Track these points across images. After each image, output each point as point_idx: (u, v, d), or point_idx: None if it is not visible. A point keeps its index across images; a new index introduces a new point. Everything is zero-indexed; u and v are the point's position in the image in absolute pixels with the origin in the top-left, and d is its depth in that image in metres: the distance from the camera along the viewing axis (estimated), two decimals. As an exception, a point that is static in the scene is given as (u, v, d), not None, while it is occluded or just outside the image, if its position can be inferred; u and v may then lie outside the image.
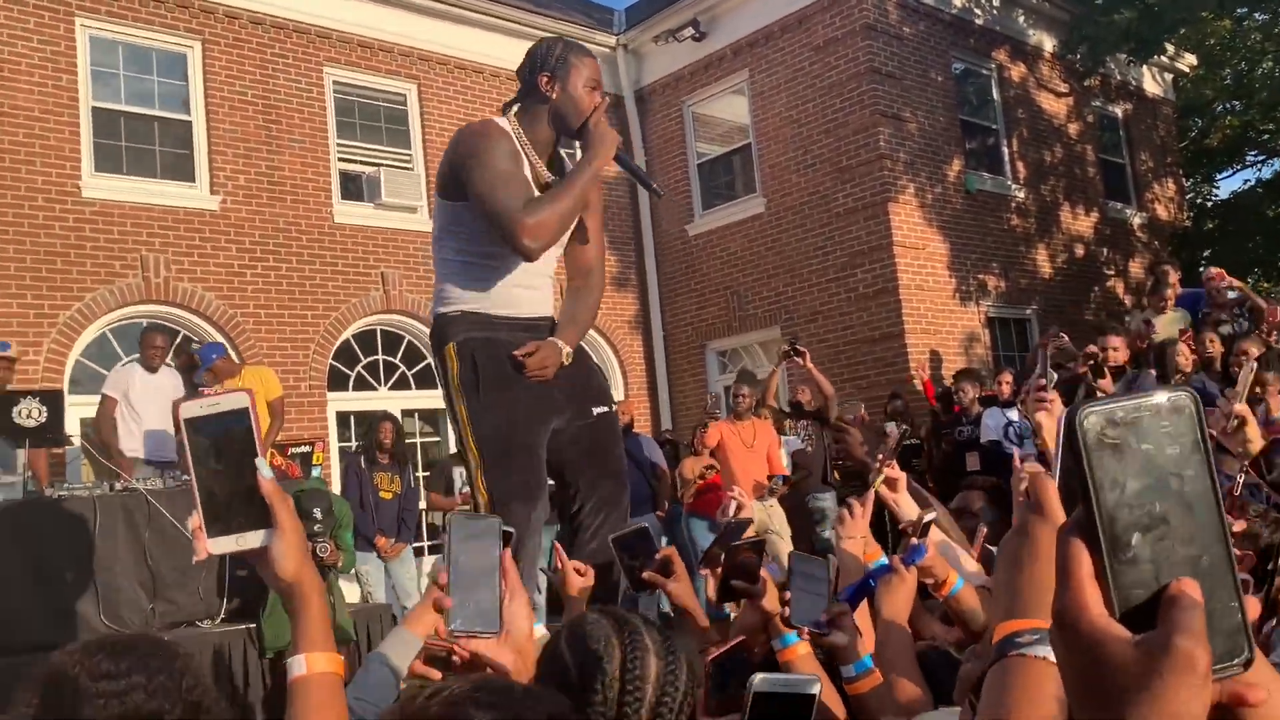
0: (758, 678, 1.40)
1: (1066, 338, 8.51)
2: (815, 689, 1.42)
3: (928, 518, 2.31)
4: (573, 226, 3.13)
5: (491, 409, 2.97)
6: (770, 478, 8.30)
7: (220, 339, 9.38)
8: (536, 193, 3.03)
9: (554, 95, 3.12)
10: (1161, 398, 0.69)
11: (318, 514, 6.03)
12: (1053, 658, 0.82)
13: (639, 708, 1.40)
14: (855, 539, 2.57)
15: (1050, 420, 2.67)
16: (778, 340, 11.61)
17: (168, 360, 7.83)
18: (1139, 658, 0.65)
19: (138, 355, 7.63)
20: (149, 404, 7.25)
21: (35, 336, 8.54)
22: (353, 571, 7.27)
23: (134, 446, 7.18)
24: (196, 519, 1.20)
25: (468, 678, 1.05)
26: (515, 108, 3.18)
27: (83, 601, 5.87)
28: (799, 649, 1.93)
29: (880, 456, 2.66)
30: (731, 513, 3.18)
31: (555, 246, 3.13)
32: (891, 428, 8.88)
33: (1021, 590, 0.91)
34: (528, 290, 3.14)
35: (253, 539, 1.20)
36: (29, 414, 5.88)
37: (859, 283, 11.11)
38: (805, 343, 10.02)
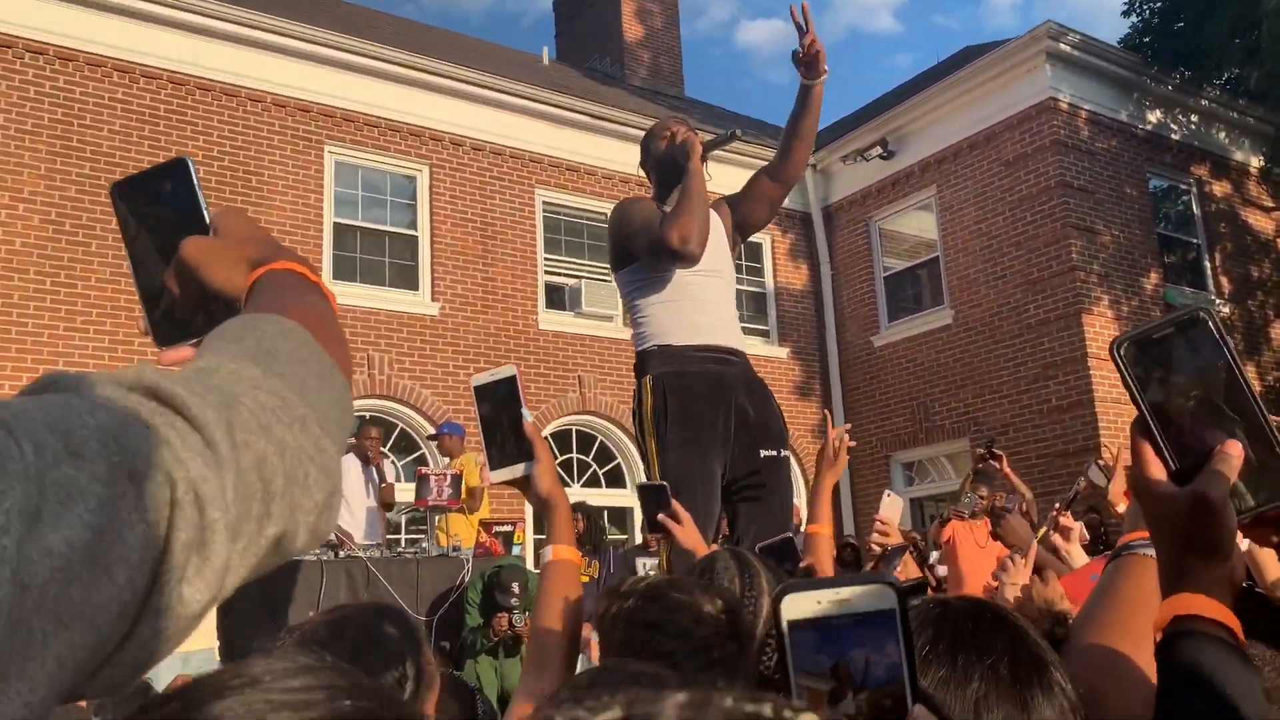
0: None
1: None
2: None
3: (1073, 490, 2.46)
4: (713, 227, 3.45)
5: (677, 443, 3.23)
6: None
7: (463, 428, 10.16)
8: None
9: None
10: (1179, 317, 0.90)
11: (515, 588, 6.44)
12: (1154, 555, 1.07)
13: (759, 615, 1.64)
14: (1014, 585, 2.72)
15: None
16: (965, 452, 11.51)
17: (383, 450, 8.51)
18: (1180, 504, 0.90)
19: (353, 444, 8.29)
20: (360, 490, 7.87)
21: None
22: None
23: (350, 530, 7.80)
24: (482, 457, 1.66)
25: None
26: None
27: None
28: None
29: (1057, 505, 2.81)
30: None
31: (725, 273, 3.47)
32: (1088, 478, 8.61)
33: (1138, 524, 1.16)
34: (711, 320, 3.40)
35: (520, 469, 1.66)
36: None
37: (1052, 394, 10.96)
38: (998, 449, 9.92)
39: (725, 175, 10.34)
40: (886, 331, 12.91)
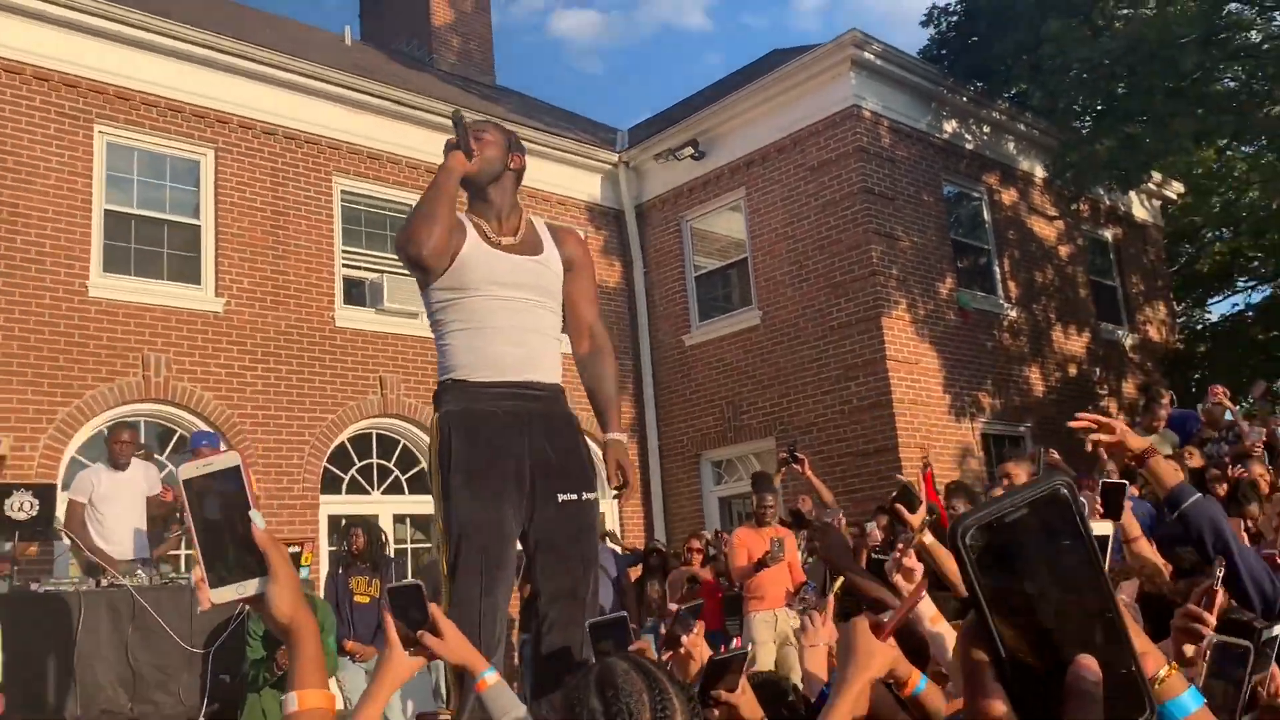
0: None
1: (1056, 455, 8.53)
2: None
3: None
4: (540, 241, 3.18)
5: (461, 487, 2.92)
6: (797, 586, 8.17)
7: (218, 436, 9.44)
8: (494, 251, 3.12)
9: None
10: (1035, 493, 0.72)
11: None
12: None
13: None
14: (818, 647, 2.58)
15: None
16: (772, 451, 11.65)
17: (138, 453, 7.74)
18: None
19: (105, 455, 7.47)
20: (116, 502, 7.13)
21: (33, 431, 8.60)
22: (335, 678, 7.17)
23: (112, 547, 7.06)
24: (199, 572, 1.28)
25: None
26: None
27: (61, 697, 5.79)
28: None
29: (900, 545, 2.68)
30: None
31: (540, 296, 3.13)
32: (872, 527, 8.80)
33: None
34: (515, 348, 3.05)
35: (250, 586, 1.28)
36: (20, 507, 5.90)
37: (853, 395, 11.21)
38: (801, 453, 10.04)
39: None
40: (697, 330, 12.94)
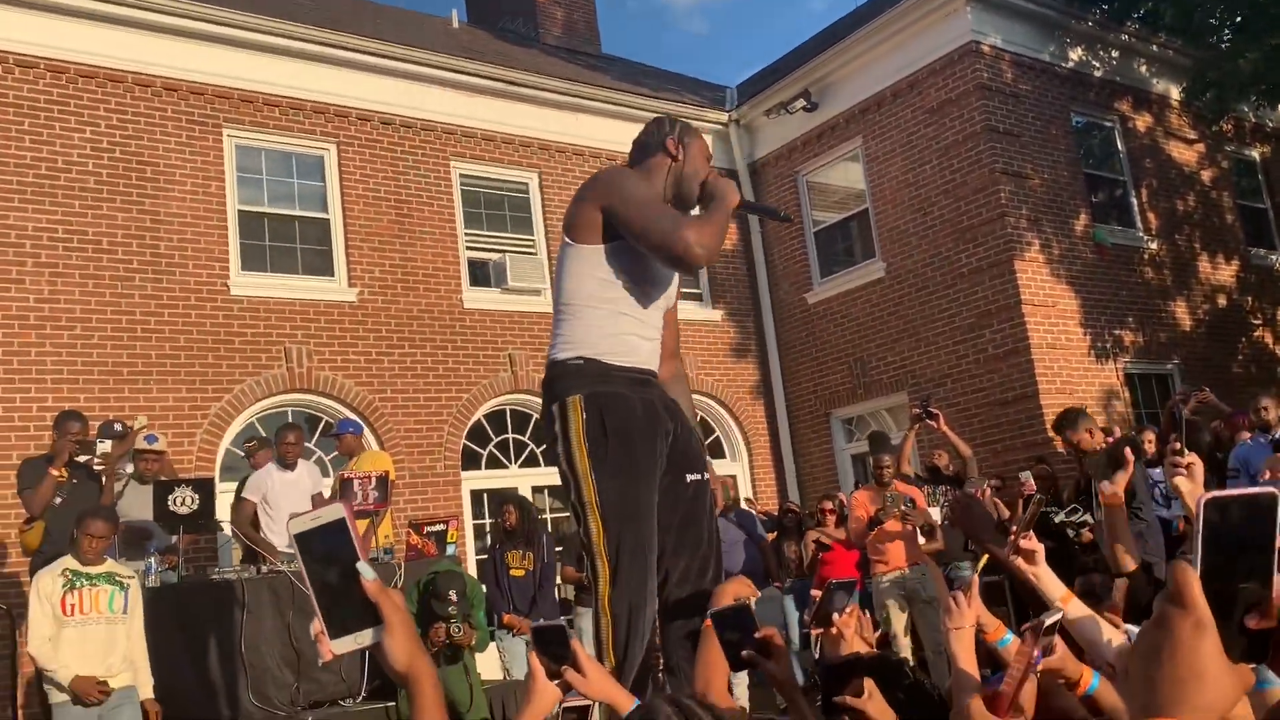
0: None
1: (1209, 392, 8.10)
2: None
3: (1051, 620, 2.14)
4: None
5: (617, 471, 2.90)
6: (926, 527, 7.99)
7: (361, 424, 9.80)
8: None
9: (679, 158, 3.20)
10: (1261, 493, 0.80)
11: (453, 595, 6.16)
12: None
13: None
14: (965, 629, 2.48)
15: (1191, 484, 2.53)
16: (904, 406, 11.43)
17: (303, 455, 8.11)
18: None
19: (274, 455, 7.81)
20: (286, 500, 7.47)
21: (189, 427, 9.07)
22: (496, 647, 7.40)
23: (278, 542, 7.43)
24: (318, 625, 1.30)
25: None
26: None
27: (232, 680, 6.12)
28: None
29: (1013, 529, 2.56)
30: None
31: (664, 300, 3.18)
32: (1026, 476, 8.49)
33: (1159, 687, 0.87)
34: (646, 342, 3.09)
35: (367, 636, 1.29)
36: (183, 501, 6.23)
37: (988, 343, 10.87)
38: (935, 407, 9.80)
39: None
40: (820, 287, 12.74)
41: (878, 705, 1.93)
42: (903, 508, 7.57)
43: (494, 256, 11.32)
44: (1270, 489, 0.89)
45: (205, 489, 6.56)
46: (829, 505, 9.38)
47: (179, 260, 9.41)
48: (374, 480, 6.90)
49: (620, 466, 2.91)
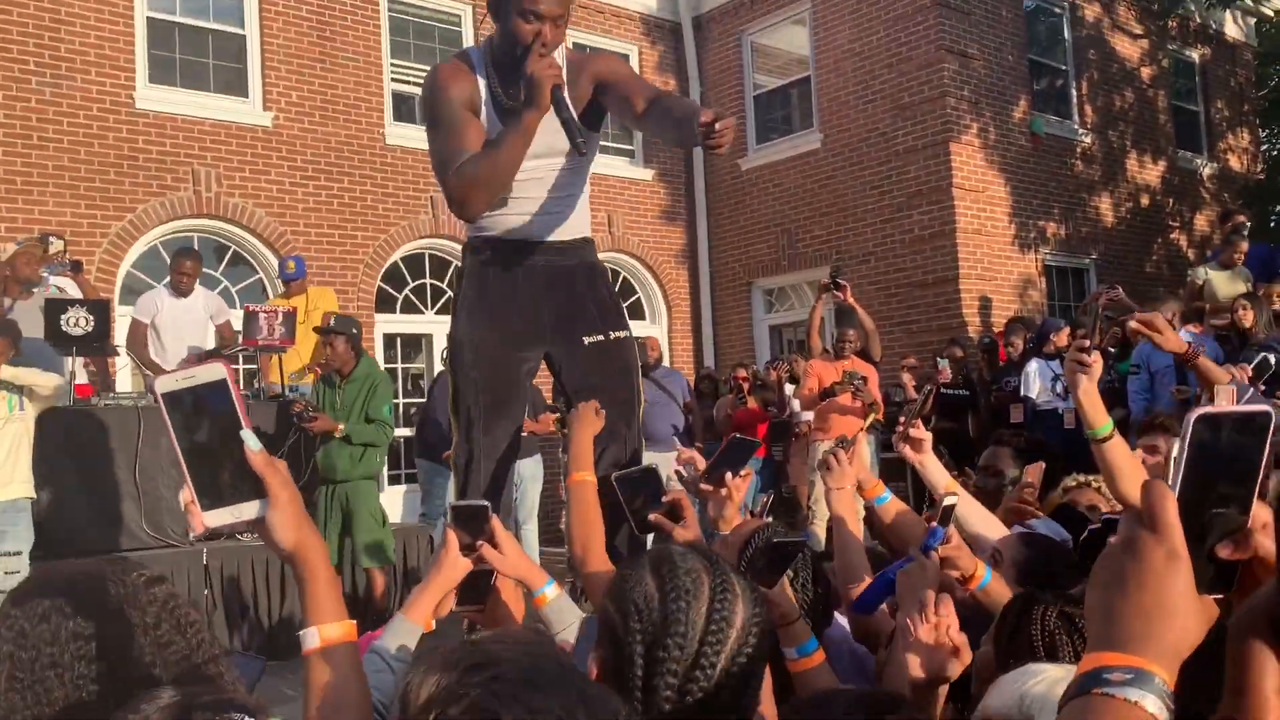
0: None
1: (1121, 290, 8.23)
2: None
3: (947, 502, 2.18)
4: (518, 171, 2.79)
5: (466, 333, 2.98)
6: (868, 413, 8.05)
7: (271, 256, 9.44)
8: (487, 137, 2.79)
9: (496, 21, 2.81)
10: (1255, 410, 0.70)
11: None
12: (1149, 705, 0.73)
13: (719, 650, 1.33)
14: (845, 489, 2.49)
15: (1088, 382, 2.56)
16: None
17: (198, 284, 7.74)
18: None
19: (168, 278, 7.45)
20: (176, 328, 7.18)
21: (88, 245, 8.62)
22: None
23: (168, 369, 7.17)
24: (188, 493, 1.16)
25: (469, 666, 0.98)
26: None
27: (127, 509, 5.97)
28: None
29: (901, 419, 2.58)
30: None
31: (558, 156, 2.89)
32: (943, 364, 8.62)
33: (1122, 618, 0.78)
34: (517, 216, 2.95)
35: (248, 509, 1.17)
36: (76, 322, 5.93)
37: (915, 224, 10.86)
38: (856, 285, 9.82)
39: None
40: (754, 154, 12.52)
41: (514, 560, 1.92)
42: (855, 384, 7.64)
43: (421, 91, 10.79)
44: (1266, 407, 0.80)
45: (101, 311, 6.25)
46: (742, 373, 9.43)
47: (80, 65, 8.77)
48: (280, 315, 6.65)
49: (467, 329, 2.98)
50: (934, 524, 2.08)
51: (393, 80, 10.64)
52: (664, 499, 2.35)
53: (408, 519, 8.75)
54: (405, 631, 1.78)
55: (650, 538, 2.50)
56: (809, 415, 8.26)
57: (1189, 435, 0.78)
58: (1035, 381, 8.18)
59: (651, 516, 2.24)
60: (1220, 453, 0.79)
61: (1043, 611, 1.67)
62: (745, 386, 9.28)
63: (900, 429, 2.56)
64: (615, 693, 1.09)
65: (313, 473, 6.28)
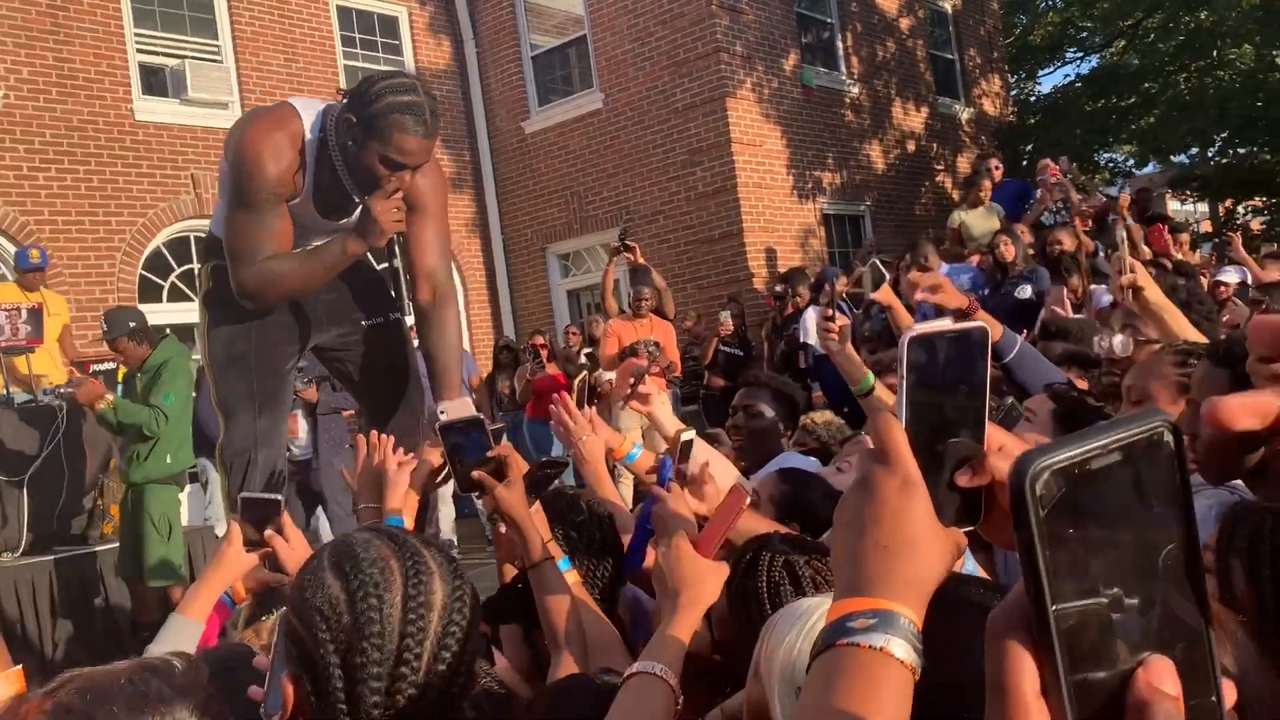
0: None
1: (877, 260, 8.61)
2: None
3: (685, 437, 2.26)
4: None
5: (223, 329, 3.00)
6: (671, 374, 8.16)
7: (11, 248, 8.59)
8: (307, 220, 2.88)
9: (352, 143, 2.71)
10: (1135, 431, 0.53)
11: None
12: (895, 649, 0.67)
13: (422, 639, 1.24)
14: (589, 464, 2.53)
15: (840, 345, 2.94)
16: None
17: None
18: None
19: None
20: None
21: None
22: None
23: None
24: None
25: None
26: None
27: None
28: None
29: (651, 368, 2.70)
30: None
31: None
32: (725, 316, 8.89)
33: (861, 560, 0.72)
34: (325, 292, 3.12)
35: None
36: None
37: (698, 181, 10.99)
38: (646, 244, 9.88)
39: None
40: (537, 116, 12.34)
41: (516, 496, 1.88)
42: (651, 350, 7.70)
43: (172, 63, 10.04)
44: (980, 323, 0.73)
45: None
46: (540, 340, 9.35)
47: None
48: (24, 313, 6.04)
49: (224, 325, 3.02)
50: (663, 456, 2.13)
51: (139, 51, 9.84)
52: (489, 454, 2.20)
53: (194, 520, 8.22)
54: (180, 628, 1.76)
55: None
56: (610, 375, 8.26)
57: (905, 359, 0.72)
58: (813, 329, 8.44)
59: (475, 474, 2.09)
60: (940, 374, 0.73)
61: (769, 561, 1.63)
62: (544, 354, 9.20)
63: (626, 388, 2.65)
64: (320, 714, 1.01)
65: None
